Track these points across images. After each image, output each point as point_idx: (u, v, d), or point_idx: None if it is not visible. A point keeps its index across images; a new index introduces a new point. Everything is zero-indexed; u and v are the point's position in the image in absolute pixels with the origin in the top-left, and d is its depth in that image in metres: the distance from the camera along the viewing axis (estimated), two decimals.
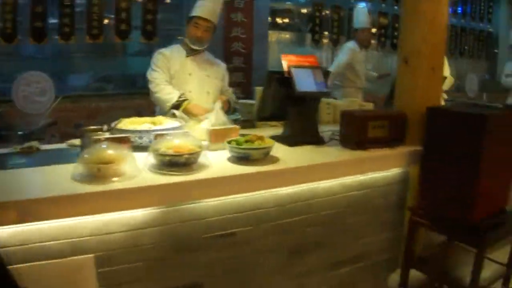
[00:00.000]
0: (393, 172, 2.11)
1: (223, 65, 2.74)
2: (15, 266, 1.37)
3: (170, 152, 1.62)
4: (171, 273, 1.68)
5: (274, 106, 2.13)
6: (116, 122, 2.04)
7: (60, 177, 1.53)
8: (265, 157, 1.78)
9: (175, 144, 1.66)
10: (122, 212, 1.54)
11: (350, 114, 2.02)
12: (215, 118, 2.17)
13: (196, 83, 2.52)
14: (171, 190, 1.53)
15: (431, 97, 2.06)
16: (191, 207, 1.65)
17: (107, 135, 1.83)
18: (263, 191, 1.78)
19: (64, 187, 1.44)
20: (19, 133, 2.15)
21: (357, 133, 1.99)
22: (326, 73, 2.15)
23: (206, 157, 1.74)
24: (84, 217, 1.48)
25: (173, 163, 1.62)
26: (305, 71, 2.03)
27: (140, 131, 1.89)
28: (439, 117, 1.92)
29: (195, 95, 2.47)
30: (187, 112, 2.42)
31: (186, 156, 1.62)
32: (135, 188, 1.48)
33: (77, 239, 1.50)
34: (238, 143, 1.79)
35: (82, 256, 1.52)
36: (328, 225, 1.98)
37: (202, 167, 1.66)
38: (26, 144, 1.93)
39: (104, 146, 1.59)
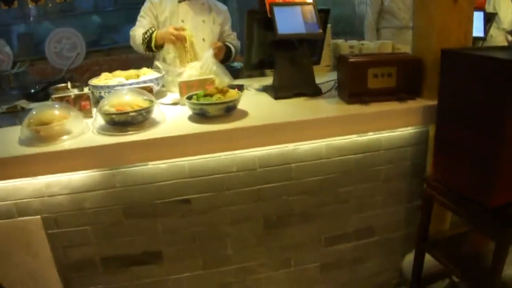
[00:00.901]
0: (405, 132, 1.74)
1: (224, 9, 2.51)
2: None
3: (113, 110, 1.53)
4: (125, 239, 1.65)
5: (261, 51, 1.89)
6: (97, 77, 2.01)
7: (11, 139, 1.54)
8: (227, 113, 1.59)
9: (121, 101, 1.57)
10: (64, 174, 1.52)
11: (344, 59, 1.68)
12: (204, 68, 2.02)
13: (188, 12, 2.34)
14: (107, 152, 1.46)
15: (453, 38, 1.61)
16: (138, 170, 1.58)
17: (72, 92, 1.80)
18: (227, 153, 1.60)
19: (8, 149, 1.46)
20: (31, 91, 2.23)
21: (352, 83, 1.67)
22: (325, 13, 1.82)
23: (162, 115, 1.63)
24: (27, 179, 1.50)
25: (116, 122, 1.53)
26: (291, 9, 1.74)
27: (102, 87, 1.84)
28: (456, 64, 1.46)
29: (188, 23, 2.30)
30: (159, 44, 2.29)
31: (131, 114, 1.52)
32: (72, 149, 1.44)
33: (22, 200, 1.53)
34: (197, 97, 1.62)
35: (29, 217, 1.55)
36: (315, 194, 1.74)
37: (152, 126, 1.56)
38: (15, 104, 2.01)
39: (48, 106, 1.57)
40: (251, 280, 1.81)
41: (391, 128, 1.72)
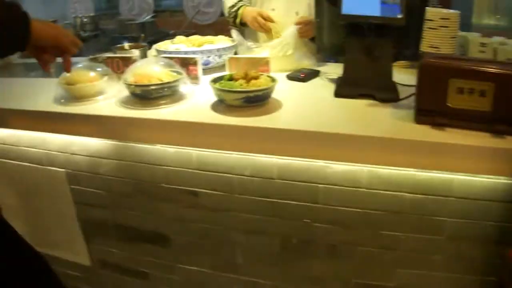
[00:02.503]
0: (492, 180, 1.24)
1: None
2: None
3: (132, 80, 1.48)
4: (135, 213, 1.69)
5: (333, 34, 1.55)
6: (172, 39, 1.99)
7: (48, 92, 1.66)
8: (248, 104, 1.38)
9: (143, 71, 1.52)
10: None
11: (425, 61, 1.24)
12: (280, 47, 1.80)
13: (282, 1, 2.06)
14: (112, 123, 1.46)
15: None
16: (146, 148, 1.55)
17: (133, 54, 1.81)
18: (239, 153, 1.42)
19: (40, 100, 1.59)
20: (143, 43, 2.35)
21: (424, 95, 1.24)
22: None
23: (189, 94, 1.53)
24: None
25: (136, 94, 1.50)
26: None
27: (160, 51, 1.79)
28: None
29: (280, 14, 2.02)
30: (244, 22, 2.06)
31: (145, 88, 1.46)
32: (85, 115, 1.48)
33: (51, 152, 1.67)
34: (225, 80, 1.45)
35: (56, 169, 1.69)
36: (348, 228, 1.42)
37: (172, 103, 1.48)
38: (97, 56, 2.14)
39: (81, 66, 1.61)
40: None
41: (473, 172, 1.24)
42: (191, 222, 1.60)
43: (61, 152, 1.66)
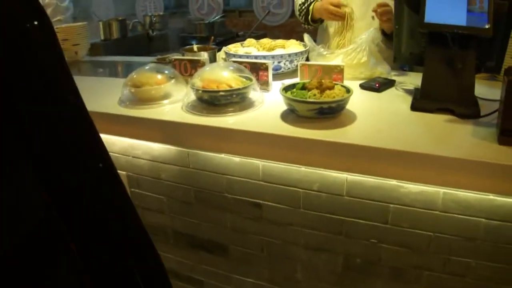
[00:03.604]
0: None
1: None
2: None
3: (199, 85, 1.50)
4: (194, 221, 1.72)
5: (412, 43, 1.52)
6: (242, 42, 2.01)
7: (114, 92, 1.72)
8: (321, 116, 1.37)
9: (212, 76, 1.54)
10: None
11: (507, 72, 1.19)
12: (355, 53, 1.77)
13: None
14: (175, 129, 1.49)
15: None
16: (211, 156, 1.57)
17: (202, 57, 1.84)
18: (308, 167, 1.41)
19: (105, 103, 1.65)
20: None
21: (509, 114, 1.19)
22: None
23: (259, 101, 1.55)
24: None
25: (203, 99, 1.53)
26: None
27: (229, 54, 1.81)
28: None
29: (356, 12, 1.98)
30: (316, 18, 2.07)
31: (213, 94, 1.48)
32: (150, 119, 1.52)
33: (113, 154, 1.72)
34: (296, 88, 1.45)
35: (118, 171, 1.73)
36: (417, 252, 1.40)
37: (240, 111, 1.49)
38: (164, 56, 2.19)
39: (148, 67, 1.65)
40: None
41: None
42: (252, 234, 1.61)
43: (124, 154, 1.71)
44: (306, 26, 2.21)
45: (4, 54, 0.57)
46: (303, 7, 2.12)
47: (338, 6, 1.95)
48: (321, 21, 2.17)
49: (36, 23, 0.60)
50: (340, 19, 1.97)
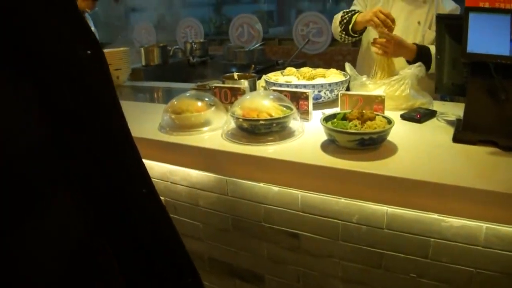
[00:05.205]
0: None
1: (450, 7, 2.10)
2: None
3: (239, 113, 1.58)
4: (231, 249, 1.76)
5: (454, 73, 1.56)
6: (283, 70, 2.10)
7: (154, 118, 1.82)
8: (362, 147, 1.42)
9: (253, 105, 1.61)
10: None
11: None
12: (397, 85, 1.82)
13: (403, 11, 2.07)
14: (213, 157, 1.57)
15: None
16: (249, 184, 1.63)
17: (242, 85, 1.92)
18: (348, 198, 1.46)
19: (145, 128, 1.75)
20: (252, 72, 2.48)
21: None
22: None
23: (299, 131, 1.61)
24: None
25: (243, 128, 1.60)
26: (496, 18, 1.34)
27: (269, 83, 1.89)
28: None
29: (400, 25, 2.02)
30: (358, 28, 2.14)
31: (253, 123, 1.55)
32: (189, 146, 1.60)
33: (152, 179, 1.80)
34: (338, 119, 1.50)
35: None
36: (456, 287, 1.39)
37: (279, 140, 1.55)
38: (205, 83, 2.30)
39: (188, 94, 1.75)
40: None
41: None
42: (289, 264, 1.65)
43: (162, 180, 1.80)
44: (342, 36, 2.26)
45: (57, 79, 0.61)
46: (346, 16, 2.19)
47: (387, 16, 1.97)
48: (360, 33, 2.24)
49: (89, 52, 0.64)
50: (384, 27, 1.97)
